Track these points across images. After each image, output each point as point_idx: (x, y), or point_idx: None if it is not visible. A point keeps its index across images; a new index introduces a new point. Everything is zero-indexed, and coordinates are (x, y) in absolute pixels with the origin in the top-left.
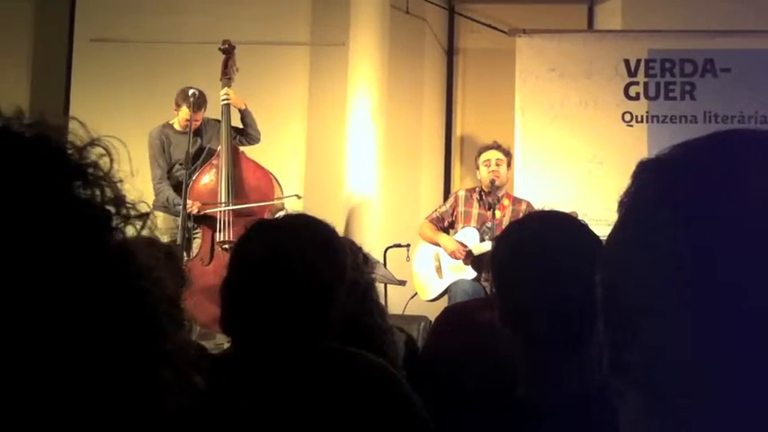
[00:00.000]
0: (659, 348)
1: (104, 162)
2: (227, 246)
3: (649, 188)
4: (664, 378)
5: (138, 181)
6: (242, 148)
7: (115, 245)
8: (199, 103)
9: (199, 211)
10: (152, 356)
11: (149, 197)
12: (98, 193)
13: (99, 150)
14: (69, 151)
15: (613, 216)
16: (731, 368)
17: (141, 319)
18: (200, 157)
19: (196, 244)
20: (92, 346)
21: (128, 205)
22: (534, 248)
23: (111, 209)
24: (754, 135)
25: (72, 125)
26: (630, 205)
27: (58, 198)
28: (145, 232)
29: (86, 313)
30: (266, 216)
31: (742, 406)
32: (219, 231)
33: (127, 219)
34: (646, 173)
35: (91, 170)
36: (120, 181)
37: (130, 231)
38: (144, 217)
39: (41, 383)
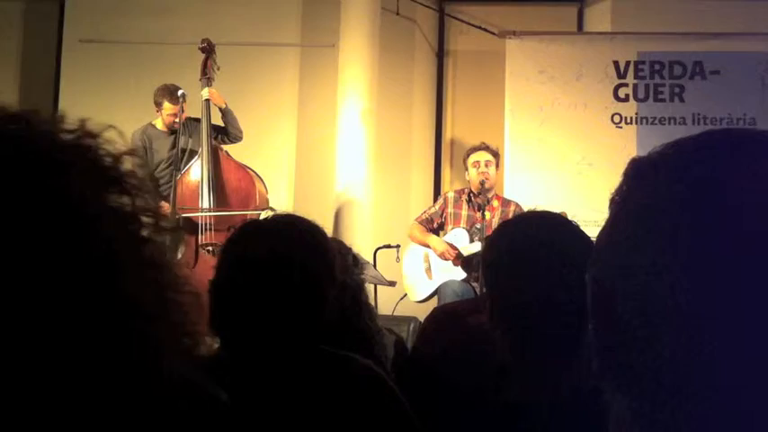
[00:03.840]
0: (649, 351)
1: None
2: (210, 247)
3: (641, 188)
4: (652, 381)
5: None
6: (229, 149)
7: (150, 253)
8: (179, 95)
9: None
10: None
11: None
12: (133, 202)
13: (135, 160)
14: (107, 159)
15: (602, 218)
16: (722, 373)
17: (176, 328)
18: (182, 159)
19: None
20: (124, 351)
21: (161, 216)
22: (526, 248)
23: (147, 219)
24: (746, 134)
25: (109, 133)
26: (622, 205)
27: (92, 205)
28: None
29: (119, 318)
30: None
31: (732, 413)
32: (202, 233)
33: (160, 230)
34: (638, 172)
35: (127, 179)
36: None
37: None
38: (177, 230)
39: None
